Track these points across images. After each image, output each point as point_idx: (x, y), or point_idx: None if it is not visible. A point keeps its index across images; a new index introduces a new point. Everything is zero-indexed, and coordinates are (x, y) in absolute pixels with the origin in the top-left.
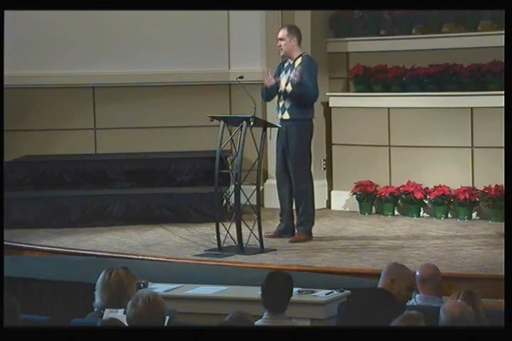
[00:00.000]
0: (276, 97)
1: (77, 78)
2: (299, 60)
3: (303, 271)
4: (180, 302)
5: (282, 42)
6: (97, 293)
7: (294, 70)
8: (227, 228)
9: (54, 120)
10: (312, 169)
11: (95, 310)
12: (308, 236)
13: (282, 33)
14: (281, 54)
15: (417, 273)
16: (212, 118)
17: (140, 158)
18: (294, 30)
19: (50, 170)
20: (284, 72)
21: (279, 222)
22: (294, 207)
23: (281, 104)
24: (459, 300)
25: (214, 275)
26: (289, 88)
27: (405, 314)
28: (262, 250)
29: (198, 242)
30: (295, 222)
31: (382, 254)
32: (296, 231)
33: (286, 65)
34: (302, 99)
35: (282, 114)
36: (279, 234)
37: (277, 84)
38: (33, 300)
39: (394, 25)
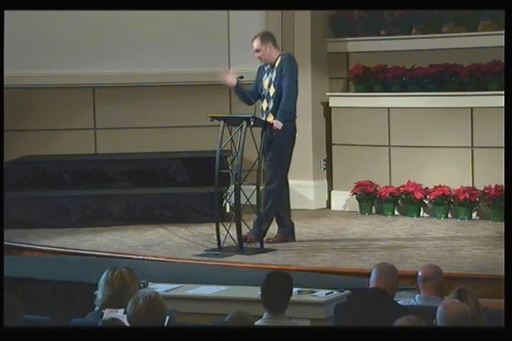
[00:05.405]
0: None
1: (77, 78)
2: (278, 60)
3: (303, 271)
4: (180, 302)
5: (259, 54)
6: (100, 290)
7: (274, 72)
8: (227, 228)
9: (54, 120)
10: (312, 169)
11: (96, 307)
12: (292, 236)
13: (256, 44)
14: (262, 63)
15: (419, 272)
16: (212, 118)
17: (140, 158)
18: (266, 37)
19: (50, 170)
20: (265, 75)
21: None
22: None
23: (265, 107)
24: (455, 300)
25: (214, 275)
26: (272, 90)
27: (406, 317)
28: (262, 250)
29: (198, 242)
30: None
31: (382, 254)
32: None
33: (267, 67)
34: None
35: (267, 116)
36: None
37: (257, 88)
38: (33, 300)
39: (394, 25)
